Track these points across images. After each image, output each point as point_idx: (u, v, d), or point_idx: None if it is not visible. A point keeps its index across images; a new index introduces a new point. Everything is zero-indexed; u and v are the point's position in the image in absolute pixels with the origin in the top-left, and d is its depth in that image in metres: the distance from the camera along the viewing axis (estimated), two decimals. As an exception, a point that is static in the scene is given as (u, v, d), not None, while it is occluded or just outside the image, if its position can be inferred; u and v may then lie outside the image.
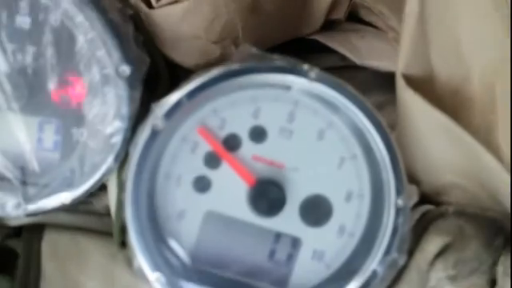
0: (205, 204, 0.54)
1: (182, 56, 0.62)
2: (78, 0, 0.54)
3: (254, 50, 0.53)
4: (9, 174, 0.56)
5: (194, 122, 0.53)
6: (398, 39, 0.68)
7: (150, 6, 0.60)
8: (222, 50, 0.63)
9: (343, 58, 0.70)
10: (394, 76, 0.63)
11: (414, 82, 0.57)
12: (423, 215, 0.58)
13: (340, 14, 0.71)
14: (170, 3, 0.59)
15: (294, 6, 0.68)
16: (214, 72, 0.51)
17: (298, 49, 0.72)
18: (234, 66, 0.51)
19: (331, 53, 0.72)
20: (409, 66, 0.56)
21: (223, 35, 0.62)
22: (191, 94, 0.50)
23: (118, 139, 0.55)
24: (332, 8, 0.70)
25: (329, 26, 0.73)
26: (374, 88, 0.70)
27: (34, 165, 0.57)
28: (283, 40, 0.70)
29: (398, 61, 0.56)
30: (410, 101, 0.55)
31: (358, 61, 0.68)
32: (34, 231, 0.57)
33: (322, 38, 0.70)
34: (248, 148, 0.53)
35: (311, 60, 0.61)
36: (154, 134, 0.50)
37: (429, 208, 0.58)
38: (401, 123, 0.58)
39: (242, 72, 0.51)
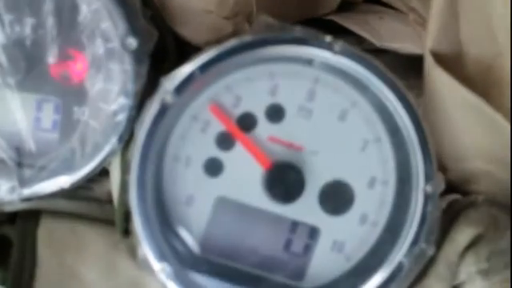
0: (216, 189, 0.49)
1: (192, 32, 0.58)
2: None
3: (272, 20, 0.49)
4: (3, 155, 0.52)
5: (206, 99, 0.48)
6: (419, 21, 0.65)
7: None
8: (235, 26, 0.58)
9: (360, 40, 0.66)
10: (415, 60, 0.59)
11: (442, 60, 0.53)
12: (450, 205, 0.53)
13: (357, -6, 0.67)
14: (179, -26, 0.55)
15: (311, -15, 0.64)
16: (230, 43, 0.47)
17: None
18: (251, 38, 0.47)
19: (347, 34, 0.68)
20: (438, 43, 0.52)
21: (236, 10, 0.58)
22: (204, 67, 0.46)
23: (122, 117, 0.51)
24: (350, -12, 0.66)
25: (346, 6, 0.69)
26: (392, 72, 0.66)
27: (30, 145, 0.52)
28: (298, 20, 0.66)
29: (427, 37, 0.53)
30: (438, 80, 0.51)
31: (377, 43, 0.64)
32: (29, 218, 0.53)
33: (339, 19, 0.66)
34: (264, 128, 0.49)
35: None
36: (163, 109, 0.46)
37: (456, 197, 0.54)
38: (428, 105, 0.54)
39: (260, 43, 0.47)
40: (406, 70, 0.63)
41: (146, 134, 0.46)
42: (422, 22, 0.64)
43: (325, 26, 0.68)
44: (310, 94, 0.50)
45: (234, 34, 0.60)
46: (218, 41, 0.58)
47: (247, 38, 0.47)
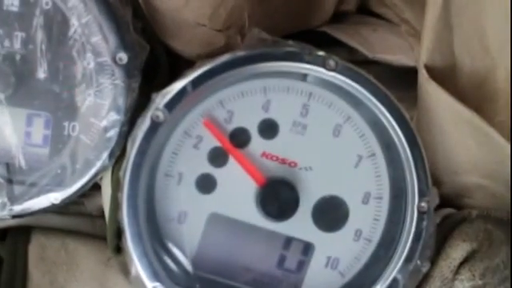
0: (209, 205, 0.49)
1: (184, 45, 0.57)
2: (71, -20, 0.49)
3: (264, 35, 0.48)
4: (-8, 172, 0.51)
5: (199, 115, 0.48)
6: (411, 33, 0.65)
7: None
8: (227, 39, 0.58)
9: (351, 51, 0.66)
10: (406, 71, 0.59)
11: (436, 74, 0.52)
12: (444, 219, 0.53)
13: (350, 5, 0.67)
14: (172, -13, 0.54)
15: (303, -2, 0.63)
16: (222, 59, 0.46)
17: (305, 41, 0.68)
18: (244, 53, 0.46)
19: (339, 46, 0.67)
20: (431, 57, 0.52)
21: (228, 23, 0.57)
22: (196, 83, 0.46)
23: (113, 133, 0.51)
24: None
25: (338, 17, 0.68)
26: (384, 84, 0.65)
27: (20, 161, 0.52)
28: (291, 31, 0.65)
29: (420, 51, 0.52)
30: (432, 94, 0.51)
31: (369, 54, 0.63)
32: (19, 234, 0.52)
33: (332, 31, 0.66)
34: (257, 144, 0.49)
35: None
36: (155, 126, 0.45)
37: (450, 211, 0.54)
38: (421, 118, 0.53)
39: (253, 59, 0.46)
40: (396, 82, 0.63)
41: (137, 151, 0.45)
42: (415, 34, 0.64)
43: (317, 38, 0.68)
44: (303, 109, 0.49)
45: (226, 46, 0.59)
46: (211, 54, 0.58)
47: (240, 53, 0.46)
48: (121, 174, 0.46)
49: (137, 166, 0.45)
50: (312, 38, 0.69)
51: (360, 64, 0.67)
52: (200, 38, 0.57)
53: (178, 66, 0.60)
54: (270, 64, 0.47)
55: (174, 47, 0.58)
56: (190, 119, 0.48)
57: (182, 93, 0.45)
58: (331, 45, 0.68)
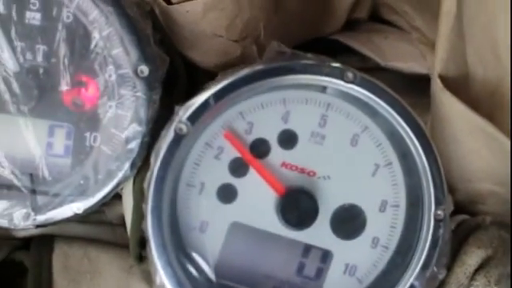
0: (230, 215, 0.50)
1: (201, 55, 0.58)
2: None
3: (284, 47, 0.49)
4: (17, 182, 0.52)
5: (220, 126, 0.49)
6: (422, 40, 0.65)
7: (168, 1, 0.56)
8: (243, 49, 0.59)
9: (363, 58, 0.67)
10: (417, 78, 0.59)
11: (450, 84, 0.53)
12: (459, 225, 0.54)
13: (362, 13, 0.68)
14: (191, -2, 0.55)
15: (316, 5, 0.64)
16: (243, 72, 0.47)
17: (316, 49, 0.69)
18: (264, 66, 0.47)
19: (350, 53, 0.68)
20: (445, 66, 0.53)
21: (244, 34, 0.58)
22: (218, 96, 0.47)
23: (135, 144, 0.51)
24: (354, 7, 0.67)
25: (350, 25, 0.69)
26: (395, 91, 0.66)
27: (43, 172, 0.53)
28: (304, 40, 0.66)
29: (435, 60, 0.53)
30: (446, 104, 0.52)
31: (382, 62, 0.64)
32: (43, 243, 0.53)
33: (344, 38, 0.67)
34: (277, 154, 0.50)
35: None
36: (178, 138, 0.46)
37: (464, 218, 0.55)
38: (435, 127, 0.54)
39: (273, 72, 0.47)
40: (407, 89, 0.64)
41: (161, 164, 0.46)
42: (426, 41, 0.65)
43: (329, 45, 0.69)
44: (321, 119, 0.50)
45: (243, 56, 0.60)
46: (227, 64, 0.59)
47: (260, 66, 0.47)
48: (145, 185, 0.47)
49: (161, 179, 0.46)
50: (324, 45, 0.70)
51: (371, 71, 0.68)
52: (217, 49, 0.58)
53: (195, 75, 0.61)
54: (290, 77, 0.47)
55: (191, 58, 0.59)
56: (211, 131, 0.49)
57: (204, 106, 0.46)
58: (343, 52, 0.69)
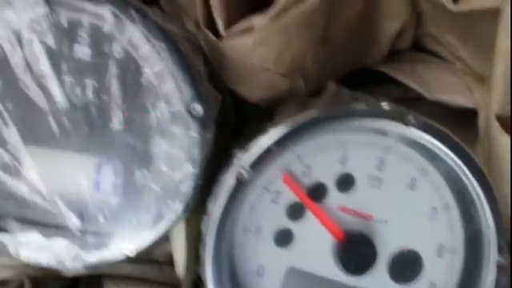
0: (286, 259, 0.49)
1: (249, 89, 0.57)
2: (144, 28, 0.49)
3: (346, 91, 0.48)
4: (66, 221, 0.51)
5: (278, 170, 0.48)
6: (466, 71, 0.64)
7: (216, 35, 0.55)
8: (291, 83, 0.58)
9: (406, 88, 0.66)
10: (465, 111, 0.59)
11: (505, 124, 0.52)
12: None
13: (405, 43, 0.67)
14: (241, 33, 0.54)
15: (360, 36, 0.63)
16: (305, 117, 0.46)
17: (359, 79, 0.68)
18: (326, 111, 0.46)
19: (391, 83, 0.67)
20: (502, 106, 0.52)
21: (292, 67, 0.57)
22: (280, 142, 0.45)
23: (188, 185, 0.50)
24: (397, 37, 0.66)
25: (392, 55, 0.68)
26: (438, 122, 0.66)
27: (92, 210, 0.51)
28: (348, 71, 0.65)
29: (491, 102, 0.52)
30: (505, 146, 0.51)
31: (428, 95, 0.63)
32: (91, 283, 0.52)
33: (388, 69, 0.66)
34: (334, 198, 0.49)
35: (372, 91, 0.57)
36: (239, 184, 0.45)
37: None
38: (491, 167, 0.53)
39: (334, 118, 0.46)
40: (452, 120, 0.63)
41: (222, 210, 0.45)
42: (469, 72, 0.64)
43: (371, 75, 0.68)
44: (380, 162, 0.49)
45: (290, 90, 0.59)
46: (274, 97, 0.58)
47: (322, 111, 0.46)
48: (203, 229, 0.46)
49: (221, 224, 0.46)
50: (365, 75, 0.69)
51: (413, 100, 0.68)
52: (264, 83, 0.57)
53: (242, 110, 0.60)
54: (351, 122, 0.46)
55: (238, 92, 0.58)
56: (269, 175, 0.48)
57: (266, 152, 0.45)
58: (385, 81, 0.68)
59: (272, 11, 0.54)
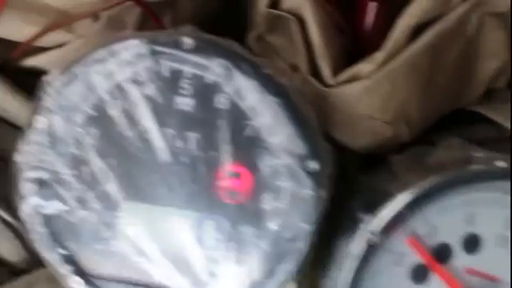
0: (411, 324, 0.46)
1: (352, 137, 0.55)
2: (253, 78, 0.46)
3: (455, 141, 0.46)
4: (171, 281, 0.48)
5: (403, 233, 0.45)
6: None
7: (322, 83, 0.53)
8: (395, 130, 0.56)
9: (500, 128, 0.63)
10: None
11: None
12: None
13: (501, 83, 0.64)
14: (348, 81, 0.51)
15: (459, 77, 0.61)
16: (435, 180, 0.43)
17: (451, 120, 0.66)
18: (454, 175, 0.44)
19: (484, 122, 0.65)
20: None
21: (397, 114, 0.55)
22: (410, 206, 0.43)
23: (302, 244, 0.48)
24: (495, 76, 0.63)
25: (487, 93, 0.66)
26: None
27: (198, 269, 0.48)
28: (443, 113, 0.63)
29: None
30: None
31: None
32: None
33: (484, 110, 0.63)
34: (460, 259, 0.46)
35: (466, 132, 0.54)
36: (369, 250, 0.42)
37: None
38: None
39: (462, 181, 0.43)
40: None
41: (352, 275, 0.43)
42: None
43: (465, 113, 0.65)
44: (507, 221, 0.46)
45: (394, 137, 0.57)
46: (376, 145, 0.55)
47: (450, 175, 0.44)
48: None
49: (350, 292, 0.43)
50: (458, 115, 0.66)
51: (508, 140, 0.65)
52: (369, 131, 0.55)
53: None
54: (477, 184, 0.44)
55: (343, 141, 0.56)
56: (395, 237, 0.45)
57: (397, 216, 0.43)
58: (480, 121, 0.66)
59: (379, 57, 0.52)
